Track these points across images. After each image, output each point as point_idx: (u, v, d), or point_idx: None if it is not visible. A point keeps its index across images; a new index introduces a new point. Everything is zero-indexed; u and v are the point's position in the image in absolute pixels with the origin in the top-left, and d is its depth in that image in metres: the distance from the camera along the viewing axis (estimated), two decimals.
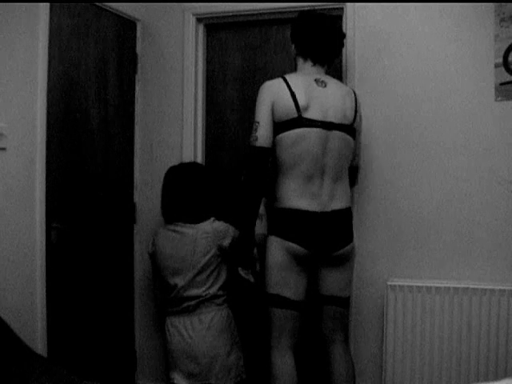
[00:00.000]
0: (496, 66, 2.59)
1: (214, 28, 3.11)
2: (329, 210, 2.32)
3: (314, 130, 2.28)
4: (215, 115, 3.13)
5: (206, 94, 3.13)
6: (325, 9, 2.84)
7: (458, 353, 2.52)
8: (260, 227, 2.53)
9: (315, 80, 2.36)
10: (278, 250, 2.30)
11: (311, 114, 2.29)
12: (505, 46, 2.57)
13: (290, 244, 2.29)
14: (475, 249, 2.64)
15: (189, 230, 2.54)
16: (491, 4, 2.59)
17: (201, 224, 2.54)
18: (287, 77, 2.35)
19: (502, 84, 2.59)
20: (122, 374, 3.01)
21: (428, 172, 2.70)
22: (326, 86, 2.36)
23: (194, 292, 2.50)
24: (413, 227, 2.72)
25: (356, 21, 2.77)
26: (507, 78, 2.58)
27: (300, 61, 2.44)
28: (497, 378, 2.40)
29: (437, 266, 2.68)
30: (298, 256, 2.30)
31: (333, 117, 2.32)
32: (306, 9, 2.85)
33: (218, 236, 2.52)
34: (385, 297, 2.64)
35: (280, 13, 2.93)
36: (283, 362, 2.32)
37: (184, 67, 3.04)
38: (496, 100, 2.61)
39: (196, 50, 3.06)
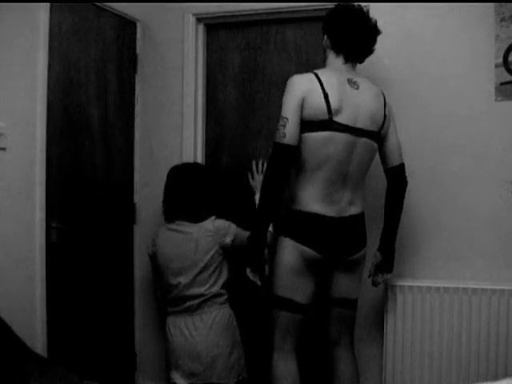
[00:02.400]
0: (496, 66, 2.59)
1: (214, 28, 3.11)
2: (347, 214, 2.28)
3: (343, 135, 2.20)
4: (215, 115, 3.12)
5: (206, 93, 3.13)
6: (325, 9, 2.84)
7: (458, 352, 2.52)
8: None
9: (348, 80, 2.26)
10: (290, 253, 2.27)
11: (342, 119, 2.19)
12: (505, 46, 2.57)
13: (304, 248, 2.25)
14: (475, 249, 2.64)
15: (190, 228, 2.54)
16: (491, 4, 2.59)
17: (202, 223, 2.54)
18: (319, 73, 2.23)
19: (502, 84, 2.59)
20: (122, 374, 3.01)
21: (426, 172, 2.70)
22: (358, 88, 2.27)
23: (196, 291, 2.50)
24: (413, 227, 2.72)
25: None
26: (507, 77, 2.58)
27: (331, 55, 2.31)
28: (497, 378, 2.39)
29: (437, 266, 2.68)
30: (311, 260, 2.27)
31: (362, 123, 2.24)
32: (306, 9, 2.86)
33: (220, 234, 2.52)
34: (385, 297, 2.64)
35: (280, 13, 2.92)
36: (286, 365, 2.31)
37: (184, 67, 3.04)
38: (496, 100, 2.61)
39: (196, 50, 3.06)
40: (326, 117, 2.18)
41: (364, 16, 2.32)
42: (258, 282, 2.32)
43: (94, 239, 2.78)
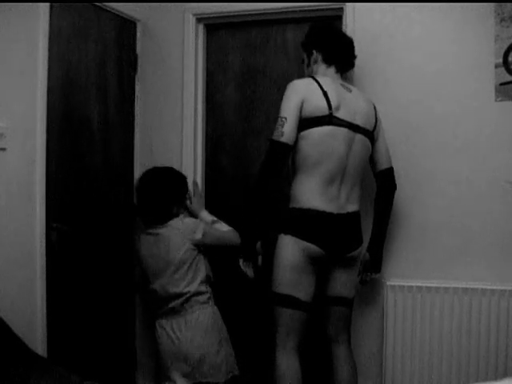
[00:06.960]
0: (496, 66, 2.59)
1: (214, 28, 3.11)
2: (345, 212, 2.34)
3: (343, 129, 2.30)
4: (215, 115, 3.12)
5: (206, 94, 3.13)
6: (324, 9, 2.85)
7: (457, 353, 2.52)
8: None
9: (341, 84, 2.42)
10: (293, 250, 2.30)
11: (342, 114, 2.31)
12: (505, 46, 2.58)
13: (307, 244, 2.29)
14: (475, 249, 2.64)
15: (161, 230, 2.58)
16: (491, 4, 2.59)
17: (171, 222, 2.58)
18: (316, 77, 2.37)
19: (502, 84, 2.59)
20: (122, 374, 3.01)
21: (427, 172, 2.70)
22: (351, 91, 2.42)
23: (174, 290, 2.51)
24: (412, 227, 2.72)
25: (356, 21, 2.76)
26: (507, 78, 2.58)
27: (322, 67, 2.45)
28: (497, 378, 2.39)
29: (437, 266, 2.68)
30: (313, 257, 2.31)
31: (359, 120, 2.37)
32: (306, 9, 2.86)
33: (189, 230, 2.54)
34: (385, 297, 2.64)
35: (280, 13, 2.92)
36: (289, 363, 2.32)
37: (184, 67, 3.04)
38: (496, 100, 2.61)
39: (196, 49, 3.06)
40: (327, 112, 2.28)
41: (344, 33, 2.57)
42: (250, 274, 2.37)
43: (94, 239, 2.78)
